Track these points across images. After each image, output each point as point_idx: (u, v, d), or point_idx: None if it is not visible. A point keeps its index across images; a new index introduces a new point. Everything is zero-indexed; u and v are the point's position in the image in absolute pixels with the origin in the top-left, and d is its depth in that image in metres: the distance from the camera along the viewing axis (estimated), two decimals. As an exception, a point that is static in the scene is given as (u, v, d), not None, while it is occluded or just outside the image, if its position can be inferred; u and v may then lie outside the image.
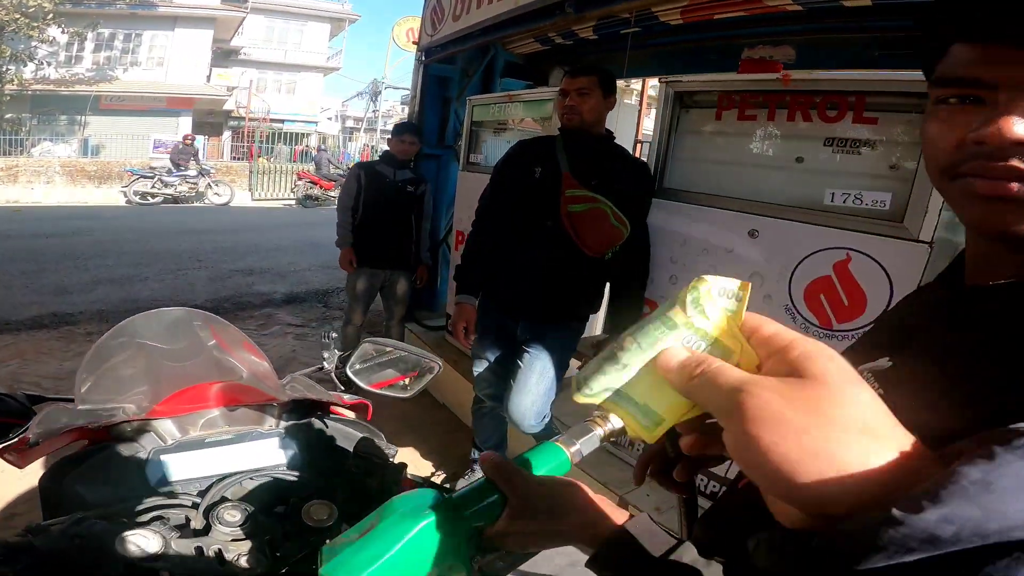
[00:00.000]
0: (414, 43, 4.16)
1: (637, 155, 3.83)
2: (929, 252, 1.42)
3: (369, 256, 3.31)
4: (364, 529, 0.47)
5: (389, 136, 3.43)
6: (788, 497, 0.28)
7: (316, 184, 13.22)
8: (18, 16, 12.95)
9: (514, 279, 2.01)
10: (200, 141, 17.20)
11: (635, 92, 4.93)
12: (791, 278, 1.67)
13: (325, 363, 1.08)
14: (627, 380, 0.38)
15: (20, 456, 0.82)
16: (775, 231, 1.71)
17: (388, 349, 1.07)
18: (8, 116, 15.02)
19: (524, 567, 0.72)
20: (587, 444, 0.59)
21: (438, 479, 2.64)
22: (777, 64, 2.20)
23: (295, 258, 7.07)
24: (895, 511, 0.24)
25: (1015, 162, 0.40)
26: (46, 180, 13.59)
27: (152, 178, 11.93)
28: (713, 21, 2.61)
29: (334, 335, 1.10)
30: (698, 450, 0.42)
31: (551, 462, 0.57)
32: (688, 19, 2.64)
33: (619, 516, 0.53)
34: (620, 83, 4.06)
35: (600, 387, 0.39)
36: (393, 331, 3.55)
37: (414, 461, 2.76)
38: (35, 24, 13.37)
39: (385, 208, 3.27)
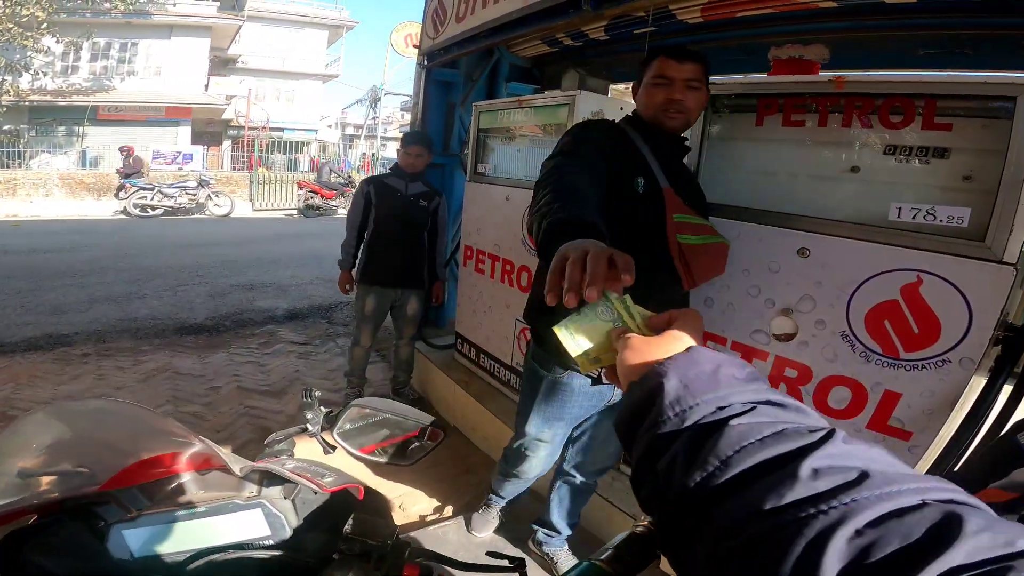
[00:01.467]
0: (415, 47, 4.00)
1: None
2: (1015, 275, 1.25)
3: (379, 275, 3.11)
4: None
5: (399, 148, 3.22)
6: (623, 376, 0.51)
7: (317, 193, 13.15)
8: (11, 26, 12.86)
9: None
10: (200, 151, 17.20)
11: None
12: (849, 302, 1.49)
13: (309, 424, 0.91)
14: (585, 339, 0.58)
15: None
16: (829, 250, 1.53)
17: (378, 410, 0.90)
18: (6, 128, 15.02)
19: None
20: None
21: (449, 510, 2.48)
22: (814, 64, 2.03)
23: (297, 271, 6.91)
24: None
25: None
26: (45, 193, 13.55)
27: (151, 190, 11.83)
28: (736, 19, 2.44)
29: (317, 393, 0.94)
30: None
31: None
32: (709, 17, 2.47)
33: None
34: (619, 87, 3.92)
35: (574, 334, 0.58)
36: (402, 351, 3.38)
37: (424, 490, 2.59)
38: (29, 34, 13.29)
39: (397, 224, 3.08)
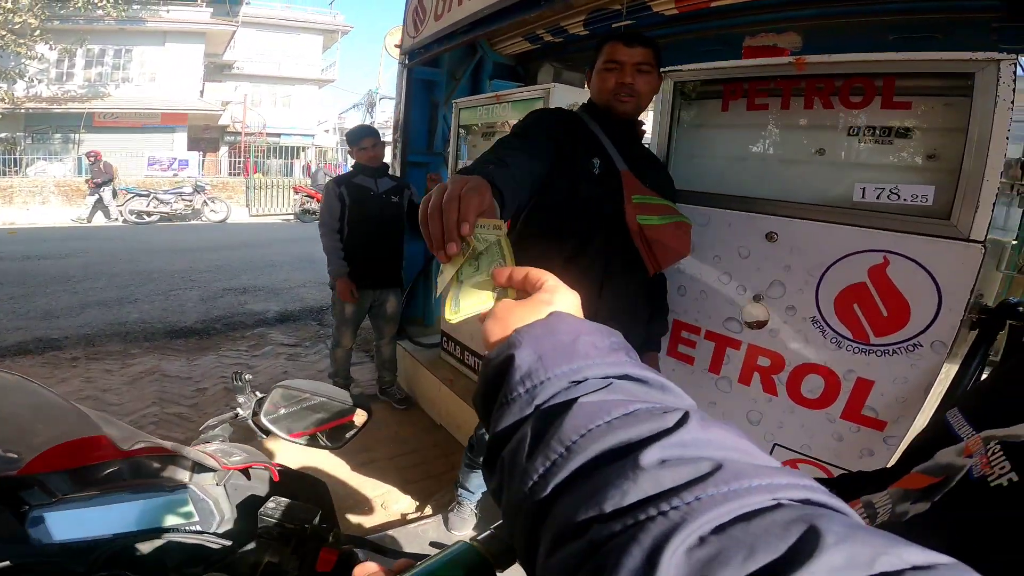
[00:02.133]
0: (396, 46, 3.99)
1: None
2: (983, 253, 1.22)
3: (357, 277, 3.07)
4: None
5: (350, 149, 3.14)
6: (485, 345, 0.45)
7: (313, 198, 13.14)
8: (4, 33, 12.86)
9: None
10: (195, 157, 17.21)
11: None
12: (818, 286, 1.46)
13: (240, 409, 0.89)
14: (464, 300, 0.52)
15: None
16: (797, 233, 1.50)
17: (307, 394, 0.88)
18: (2, 136, 15.07)
19: None
20: None
21: (432, 507, 2.45)
22: (785, 51, 2.02)
23: (290, 274, 6.90)
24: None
25: None
26: (41, 200, 13.58)
27: (147, 196, 11.86)
28: (710, 9, 2.43)
29: (247, 376, 0.92)
30: None
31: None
32: (683, 8, 2.46)
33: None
34: None
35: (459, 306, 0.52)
36: (384, 350, 3.35)
37: (407, 488, 2.57)
38: (22, 41, 13.28)
39: (372, 225, 3.05)
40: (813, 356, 1.49)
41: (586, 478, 0.29)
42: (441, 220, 0.54)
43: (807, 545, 0.22)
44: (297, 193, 13.64)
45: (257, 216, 14.21)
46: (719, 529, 0.24)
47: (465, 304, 0.51)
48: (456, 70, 3.73)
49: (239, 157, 18.76)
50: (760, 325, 1.59)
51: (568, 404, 0.33)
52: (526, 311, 0.43)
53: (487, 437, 0.38)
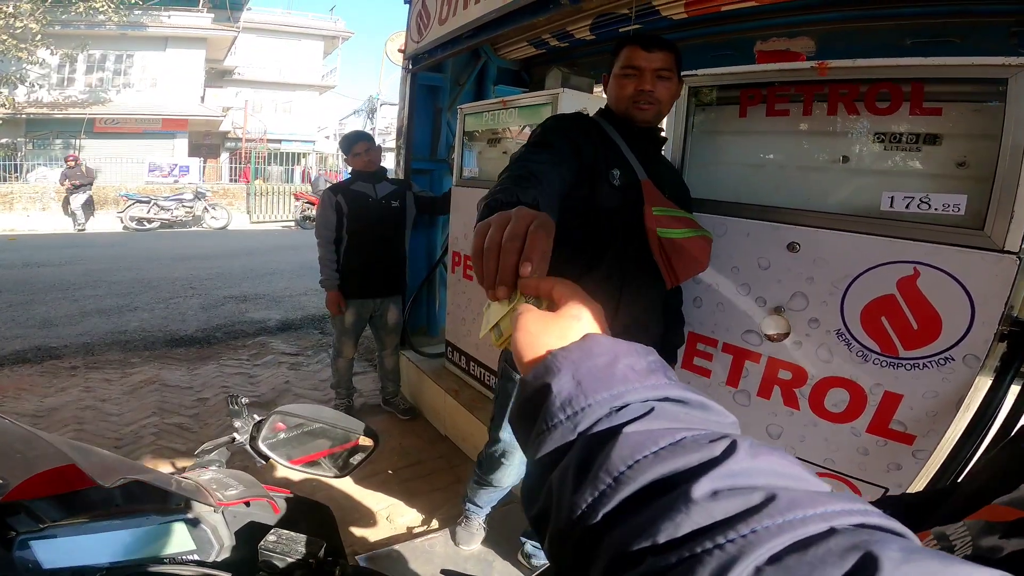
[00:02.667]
0: (400, 50, 3.96)
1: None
2: (1018, 264, 1.17)
3: (357, 287, 3.02)
4: None
5: (345, 157, 3.08)
6: (517, 360, 0.44)
7: (313, 204, 13.10)
8: (5, 37, 12.81)
9: None
10: (196, 163, 17.19)
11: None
12: (843, 298, 1.41)
13: (237, 435, 0.84)
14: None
15: None
16: (821, 243, 1.45)
17: (306, 419, 0.83)
18: (2, 141, 15.02)
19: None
20: None
21: (439, 520, 2.40)
22: (797, 55, 1.98)
23: (291, 282, 6.85)
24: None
25: None
26: (42, 207, 13.54)
27: (148, 203, 11.83)
28: (721, 13, 2.40)
29: (244, 400, 0.86)
30: None
31: None
32: (692, 12, 2.42)
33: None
34: None
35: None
36: (387, 361, 3.30)
37: (413, 501, 2.51)
38: (23, 46, 13.24)
39: (372, 232, 2.99)
40: (838, 369, 1.44)
41: (637, 509, 0.29)
42: (498, 258, 0.49)
43: (864, 572, 0.22)
44: (298, 200, 13.62)
45: (258, 223, 14.21)
46: (774, 559, 0.24)
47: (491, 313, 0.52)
48: (460, 75, 3.70)
49: (240, 163, 18.75)
50: (781, 338, 1.54)
51: (613, 432, 0.33)
52: (558, 328, 0.43)
53: (528, 463, 0.38)
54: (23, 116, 15.22)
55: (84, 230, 11.47)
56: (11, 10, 12.77)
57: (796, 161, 1.59)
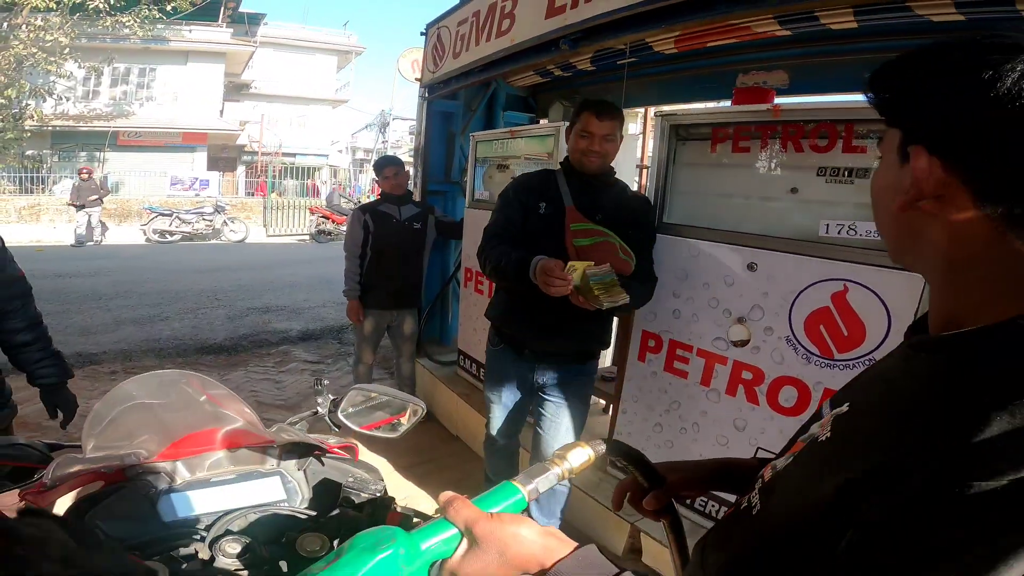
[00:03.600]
0: (417, 80, 4.27)
1: (643, 181, 3.87)
2: (925, 282, 1.43)
3: (377, 299, 3.28)
4: (330, 560, 0.53)
5: (375, 178, 3.35)
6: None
7: (328, 219, 13.34)
8: (35, 50, 12.94)
9: (523, 321, 1.94)
10: (215, 177, 17.59)
11: (639, 116, 4.99)
12: (791, 310, 1.68)
13: (319, 407, 1.12)
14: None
15: (39, 498, 0.87)
16: (773, 264, 1.73)
17: (374, 394, 1.11)
18: (29, 153, 15.21)
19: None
20: (543, 482, 0.70)
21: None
22: (769, 91, 2.24)
23: (309, 295, 7.17)
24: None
25: None
26: (67, 219, 13.91)
27: (170, 216, 12.23)
28: (707, 49, 2.64)
29: (326, 382, 1.15)
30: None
31: (507, 499, 0.65)
32: (682, 48, 2.67)
33: (566, 549, 0.56)
34: (624, 111, 4.14)
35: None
36: (404, 367, 3.57)
37: (427, 492, 2.78)
38: (52, 59, 13.36)
39: (395, 250, 3.24)
40: (788, 370, 1.71)
41: None
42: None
43: None
44: (313, 214, 13.91)
45: (274, 236, 14.53)
46: None
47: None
48: (472, 102, 3.97)
49: (256, 176, 19.13)
50: (743, 344, 1.81)
51: None
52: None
53: None
54: (49, 128, 15.42)
55: (82, 245, 11.03)
56: (41, 23, 12.88)
57: (757, 191, 1.86)
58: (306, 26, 22.40)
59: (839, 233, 1.59)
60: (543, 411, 2.00)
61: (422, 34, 4.00)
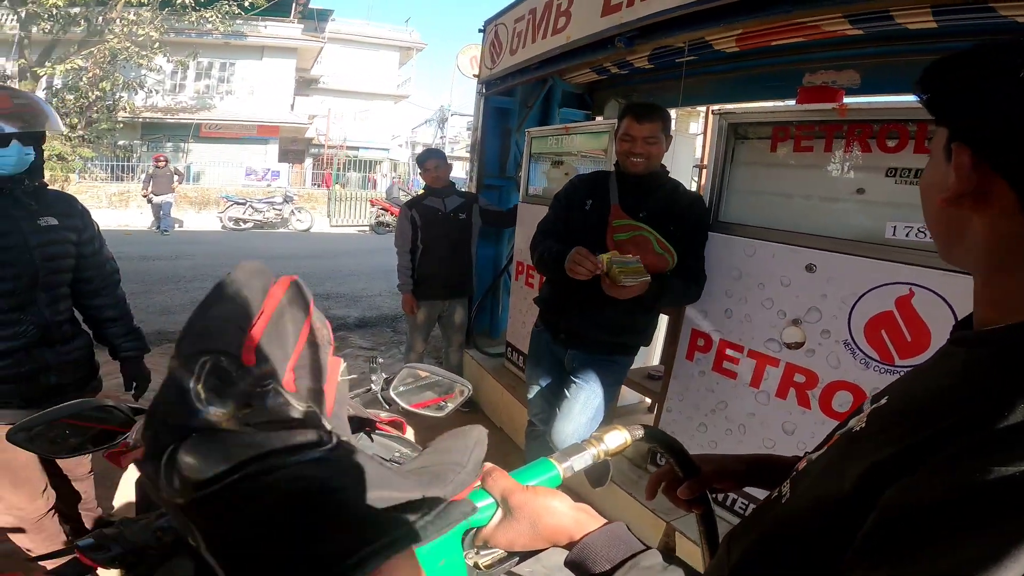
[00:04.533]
0: (475, 77, 4.33)
1: (702, 181, 3.79)
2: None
3: (429, 290, 3.38)
4: None
5: (419, 171, 3.45)
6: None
7: (387, 211, 13.70)
8: (129, 44, 13.84)
9: (563, 309, 2.04)
10: (285, 168, 18.44)
11: (700, 115, 4.87)
12: (851, 313, 1.62)
13: (373, 385, 1.19)
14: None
15: (122, 459, 0.95)
16: (834, 265, 1.67)
17: (425, 374, 1.17)
18: (120, 143, 16.26)
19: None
20: (579, 461, 0.72)
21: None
22: (838, 91, 2.15)
23: (367, 284, 7.44)
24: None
25: None
26: (153, 205, 15.01)
27: (244, 205, 12.95)
28: (771, 47, 2.57)
29: (380, 360, 1.22)
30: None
31: (543, 474, 0.69)
32: (744, 46, 2.60)
33: (596, 524, 0.58)
34: (684, 109, 4.06)
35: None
36: (452, 357, 3.66)
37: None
38: (144, 53, 14.29)
39: (443, 242, 3.32)
40: (844, 375, 1.65)
41: None
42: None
43: None
44: (373, 206, 14.37)
45: (337, 226, 15.09)
46: None
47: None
48: (528, 98, 4.00)
49: (321, 169, 19.89)
50: (798, 346, 1.76)
51: None
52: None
53: None
54: (139, 120, 16.55)
55: (167, 233, 11.34)
56: (133, 18, 13.82)
57: (819, 191, 1.80)
58: (370, 22, 22.93)
59: (907, 235, 1.52)
60: (567, 392, 2.06)
61: (480, 31, 4.07)
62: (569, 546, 0.57)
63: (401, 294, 3.45)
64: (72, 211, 1.69)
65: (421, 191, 3.52)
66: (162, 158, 11.86)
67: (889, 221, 1.56)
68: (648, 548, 0.55)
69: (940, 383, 0.47)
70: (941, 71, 0.47)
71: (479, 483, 0.61)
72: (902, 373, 1.40)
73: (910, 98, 1.85)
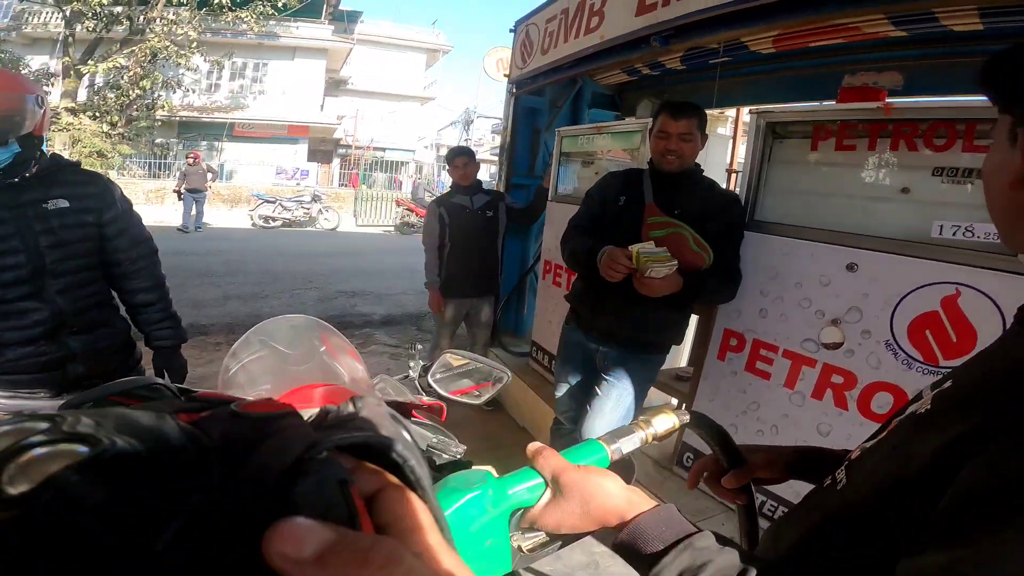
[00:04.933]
0: (505, 76, 4.35)
1: (732, 185, 3.75)
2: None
3: (456, 288, 3.39)
4: None
5: (447, 167, 3.47)
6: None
7: (412, 211, 13.83)
8: (168, 43, 14.21)
9: (595, 306, 2.03)
10: (314, 168, 18.72)
11: (729, 119, 4.82)
12: (893, 313, 1.59)
13: (411, 371, 1.20)
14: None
15: None
16: (876, 264, 1.64)
17: (465, 361, 1.18)
18: (158, 141, 16.74)
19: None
20: (627, 443, 0.73)
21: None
22: (879, 91, 2.12)
23: (393, 282, 7.52)
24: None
25: None
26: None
27: (274, 203, 13.21)
28: (809, 49, 2.53)
29: (419, 346, 1.24)
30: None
31: (592, 456, 0.68)
32: (781, 47, 2.57)
33: (648, 505, 0.58)
34: (713, 112, 4.02)
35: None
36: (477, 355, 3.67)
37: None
38: (182, 52, 14.63)
39: (470, 239, 3.34)
40: (884, 375, 1.62)
41: None
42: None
43: None
44: (399, 206, 14.51)
45: (363, 226, 15.25)
46: None
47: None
48: (558, 99, 4.01)
49: (349, 169, 20.15)
50: (836, 347, 1.73)
51: None
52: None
53: None
54: (177, 119, 16.93)
55: (187, 232, 11.10)
56: (173, 17, 14.22)
57: (860, 190, 1.77)
58: (397, 24, 23.09)
59: (954, 235, 1.48)
60: (597, 389, 2.05)
61: (511, 31, 4.09)
62: (619, 528, 0.56)
63: (428, 292, 3.48)
64: (91, 191, 1.57)
65: (446, 191, 3.54)
66: (194, 155, 11.84)
67: (936, 220, 1.53)
68: (701, 530, 0.55)
69: (1006, 360, 0.47)
70: (1006, 61, 0.49)
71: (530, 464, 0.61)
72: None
73: (956, 98, 1.83)
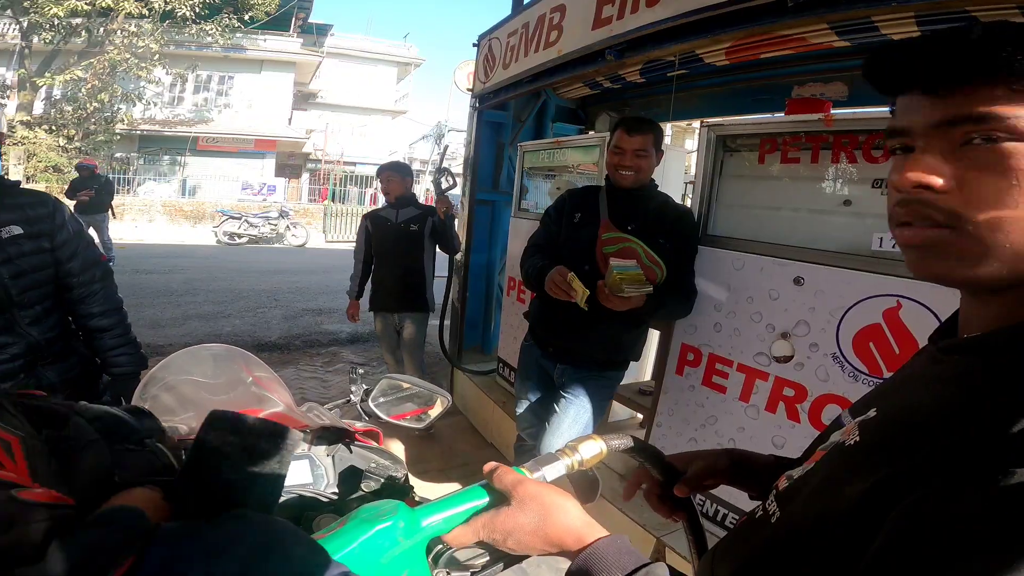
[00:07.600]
0: (469, 90, 4.35)
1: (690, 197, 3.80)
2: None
3: (380, 301, 3.39)
4: (332, 529, 0.56)
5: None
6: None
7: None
8: (128, 56, 13.97)
9: (551, 324, 2.03)
10: (282, 183, 18.43)
11: (696, 131, 4.86)
12: (839, 326, 1.60)
13: (352, 396, 1.16)
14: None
15: None
16: (822, 278, 1.66)
17: (406, 385, 1.14)
18: (118, 156, 16.31)
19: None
20: (551, 471, 0.71)
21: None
22: (825, 102, 2.16)
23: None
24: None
25: (918, 207, 0.45)
26: (148, 219, 14.98)
27: (239, 219, 12.95)
28: (760, 60, 2.58)
29: (360, 371, 1.20)
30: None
31: None
32: (734, 59, 2.61)
33: (603, 532, 0.58)
34: (680, 124, 4.06)
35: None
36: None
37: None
38: (143, 64, 14.40)
39: (390, 252, 3.32)
40: (833, 388, 1.63)
41: None
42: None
43: None
44: (368, 221, 14.39)
45: (332, 242, 15.05)
46: None
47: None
48: (521, 113, 4.02)
49: (319, 184, 19.90)
50: (787, 360, 1.74)
51: None
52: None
53: None
54: (137, 132, 16.57)
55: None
56: (134, 29, 13.93)
57: (806, 203, 1.79)
58: (369, 37, 23.15)
59: (893, 247, 1.50)
60: (556, 406, 2.04)
61: (474, 45, 4.09)
62: (572, 554, 0.56)
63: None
64: (40, 212, 1.50)
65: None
66: (88, 163, 8.45)
67: (875, 232, 1.55)
68: (656, 561, 0.54)
69: (933, 391, 0.46)
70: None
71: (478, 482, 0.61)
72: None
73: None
